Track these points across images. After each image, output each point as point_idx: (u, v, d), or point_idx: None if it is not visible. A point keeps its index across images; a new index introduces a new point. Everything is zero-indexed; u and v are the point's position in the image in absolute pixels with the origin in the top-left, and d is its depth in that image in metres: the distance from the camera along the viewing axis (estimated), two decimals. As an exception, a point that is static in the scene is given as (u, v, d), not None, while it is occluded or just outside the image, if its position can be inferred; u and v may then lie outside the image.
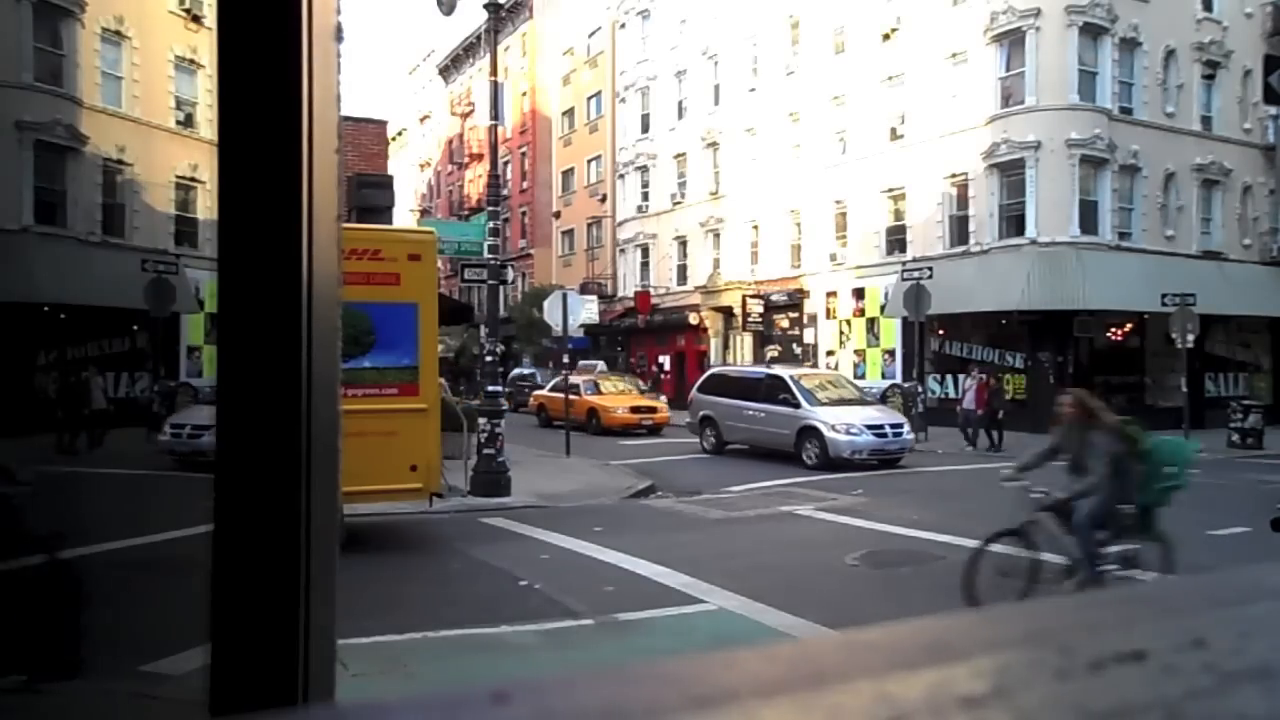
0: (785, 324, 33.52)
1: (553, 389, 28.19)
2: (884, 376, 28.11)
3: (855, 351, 30.59)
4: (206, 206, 29.07)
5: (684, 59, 38.12)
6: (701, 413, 20.50)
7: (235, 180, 0.93)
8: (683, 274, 38.81)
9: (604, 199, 44.30)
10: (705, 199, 37.01)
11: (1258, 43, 27.97)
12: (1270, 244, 29.61)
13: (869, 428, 17.44)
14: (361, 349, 9.41)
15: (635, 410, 25.84)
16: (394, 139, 57.79)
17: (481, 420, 13.95)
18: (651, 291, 38.84)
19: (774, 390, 18.74)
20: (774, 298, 33.40)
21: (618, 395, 27.06)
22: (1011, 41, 25.61)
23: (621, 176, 42.66)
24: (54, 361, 24.29)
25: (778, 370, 20.36)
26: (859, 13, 30.12)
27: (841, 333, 31.16)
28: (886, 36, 29.17)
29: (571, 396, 25.70)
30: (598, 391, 26.89)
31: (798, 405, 17.99)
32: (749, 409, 19.07)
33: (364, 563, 8.73)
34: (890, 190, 29.22)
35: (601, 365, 36.39)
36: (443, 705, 0.48)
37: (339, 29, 1.02)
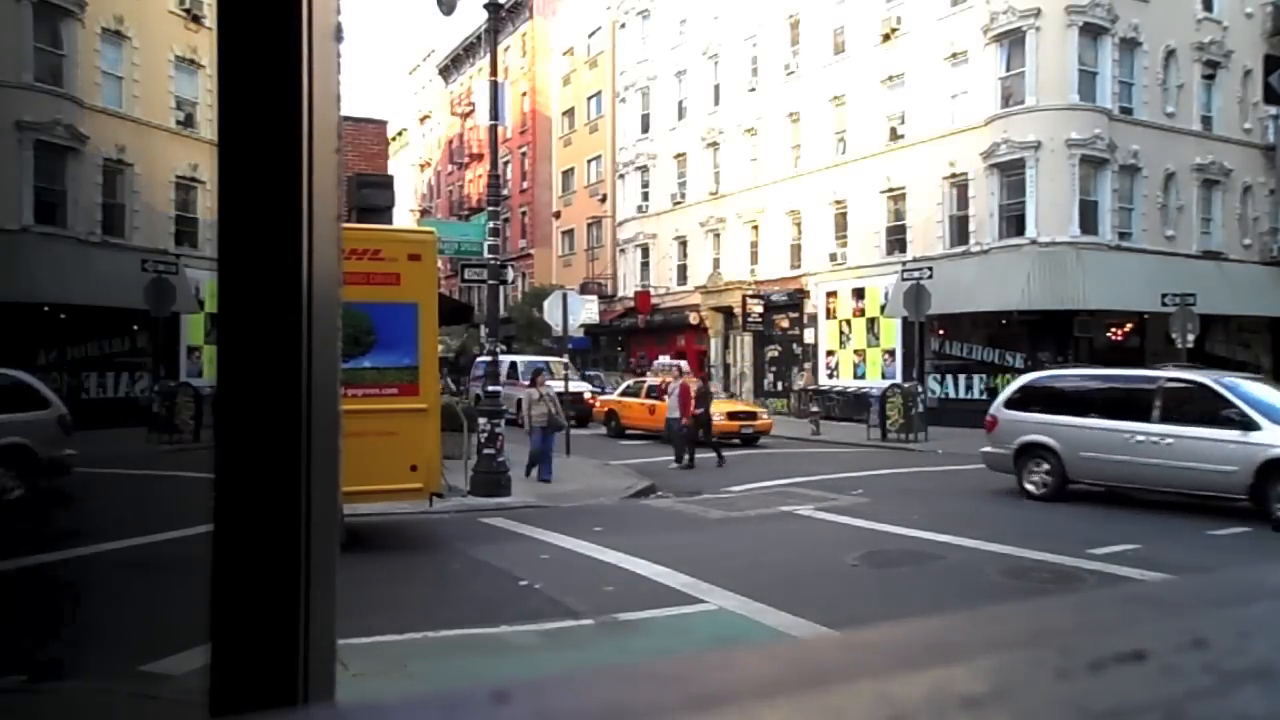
0: (785, 324, 33.53)
1: (625, 393, 25.33)
2: (884, 376, 28.09)
3: (855, 351, 30.59)
4: (206, 206, 29.07)
5: (684, 59, 38.13)
6: (1024, 439, 13.90)
7: (235, 180, 0.93)
8: (683, 274, 38.82)
9: (604, 199, 44.31)
10: (705, 199, 37.02)
11: (1258, 43, 27.98)
12: (1270, 244, 29.62)
13: None
14: (361, 349, 9.41)
15: (733, 416, 22.20)
16: (394, 139, 57.82)
17: (481, 420, 13.96)
18: (651, 291, 38.85)
19: (1192, 404, 12.44)
20: (774, 298, 33.41)
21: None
22: (1011, 41, 25.61)
23: (621, 176, 42.67)
24: (54, 361, 24.26)
25: (1194, 374, 13.35)
26: (859, 13, 30.13)
27: (841, 333, 31.16)
28: (886, 37, 29.18)
29: (654, 402, 22.89)
30: None
31: (1251, 426, 11.61)
32: (1135, 434, 12.62)
33: (364, 563, 8.73)
34: (890, 190, 29.23)
35: (683, 364, 32.04)
36: (443, 705, 0.48)
37: (339, 29, 1.02)
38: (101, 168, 24.80)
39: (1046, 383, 14.97)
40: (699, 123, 37.22)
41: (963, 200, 27.09)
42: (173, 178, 26.97)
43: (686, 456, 17.92)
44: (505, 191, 32.06)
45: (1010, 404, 14.68)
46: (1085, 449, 13.31)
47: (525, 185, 50.68)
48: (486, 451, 13.72)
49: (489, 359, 15.14)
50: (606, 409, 25.35)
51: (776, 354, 33.70)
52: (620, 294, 42.13)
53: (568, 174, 48.13)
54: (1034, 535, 10.34)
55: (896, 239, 29.07)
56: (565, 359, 26.75)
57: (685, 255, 38.76)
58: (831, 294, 31.53)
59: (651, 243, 40.71)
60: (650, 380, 25.26)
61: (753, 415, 23.02)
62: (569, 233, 48.00)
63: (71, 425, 12.06)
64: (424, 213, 61.42)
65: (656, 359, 35.14)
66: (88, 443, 18.33)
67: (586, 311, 27.98)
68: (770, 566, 9.13)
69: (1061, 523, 11.69)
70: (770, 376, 34.07)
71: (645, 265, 41.25)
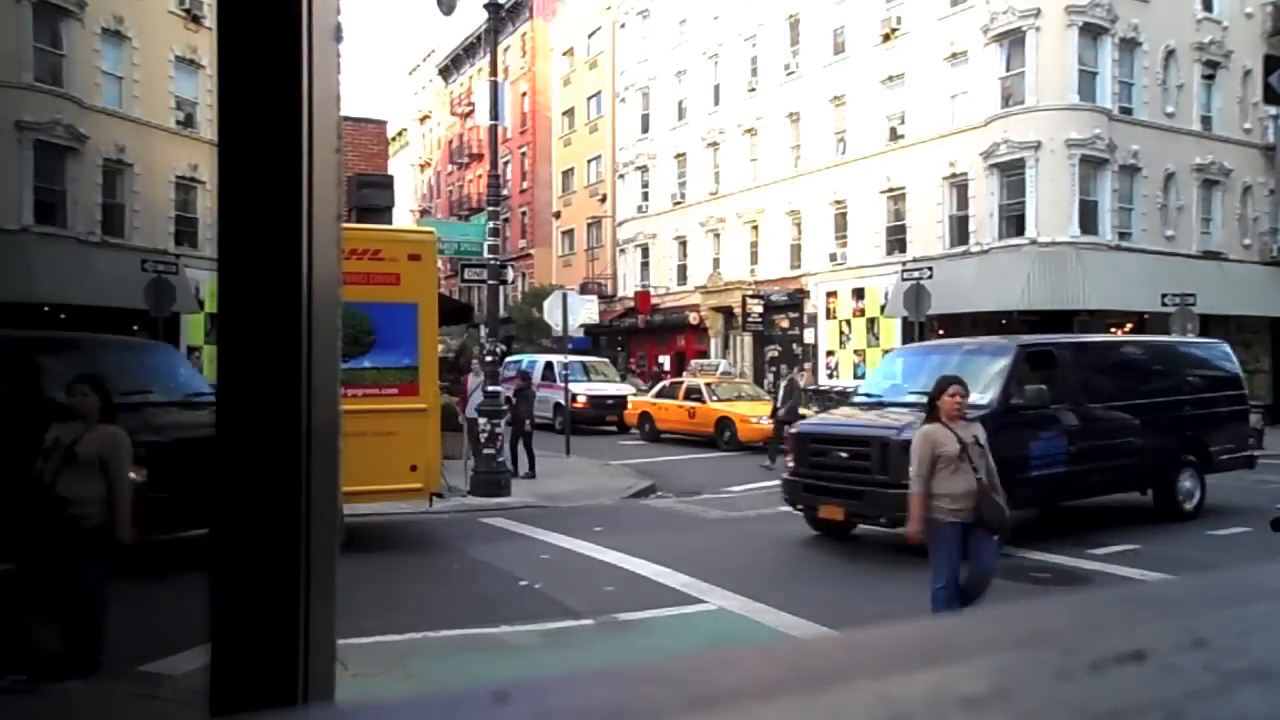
0: (785, 324, 33.53)
1: (660, 394, 24.03)
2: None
3: (855, 351, 30.59)
4: (206, 206, 28.99)
5: (684, 59, 38.13)
6: None
7: (235, 180, 0.93)
8: (683, 274, 38.82)
9: (604, 199, 44.31)
10: (705, 199, 37.01)
11: (1258, 43, 27.96)
12: (1270, 244, 29.61)
13: None
14: (361, 349, 9.41)
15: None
16: (394, 139, 57.78)
17: (481, 420, 13.94)
18: (651, 291, 38.85)
19: None
20: (774, 298, 33.41)
21: (753, 402, 22.10)
22: (1011, 41, 25.61)
23: (621, 176, 42.67)
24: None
25: None
26: (859, 13, 30.13)
27: (841, 333, 31.15)
28: (886, 37, 29.18)
29: (694, 404, 22.02)
30: (720, 397, 22.16)
31: None
32: None
33: (364, 563, 8.73)
34: (890, 190, 29.23)
35: (724, 364, 30.76)
36: (443, 705, 0.48)
37: (339, 29, 1.02)
38: (101, 168, 24.80)
39: None
40: (699, 123, 37.21)
41: (963, 200, 27.09)
42: (173, 178, 26.94)
43: (517, 459, 15.42)
44: (505, 191, 32.05)
45: None
46: None
47: (525, 185, 50.68)
48: (486, 451, 13.71)
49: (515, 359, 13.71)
50: (640, 411, 23.95)
51: (776, 354, 33.68)
52: (620, 294, 42.12)
53: (568, 174, 48.12)
54: (1034, 536, 10.33)
55: (896, 239, 29.07)
56: (606, 359, 25.28)
57: (685, 255, 38.76)
58: (831, 294, 31.52)
59: (651, 243, 40.70)
60: (689, 381, 24.06)
61: (802, 420, 20.83)
62: (569, 233, 47.99)
63: None
64: (424, 213, 61.41)
65: (694, 360, 34.46)
66: (88, 443, 18.32)
67: (586, 311, 27.87)
68: (770, 566, 9.12)
69: (1061, 522, 11.69)
70: (771, 377, 34.06)
71: (645, 265, 41.24)
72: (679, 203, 38.65)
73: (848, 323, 30.92)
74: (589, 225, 45.65)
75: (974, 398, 9.16)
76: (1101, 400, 10.79)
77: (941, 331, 26.82)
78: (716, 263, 36.42)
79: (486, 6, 15.37)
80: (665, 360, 38.25)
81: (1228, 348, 13.54)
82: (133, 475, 4.66)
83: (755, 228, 34.84)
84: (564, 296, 21.00)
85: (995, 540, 6.43)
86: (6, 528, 4.77)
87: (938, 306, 23.28)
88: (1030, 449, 9.75)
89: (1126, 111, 26.08)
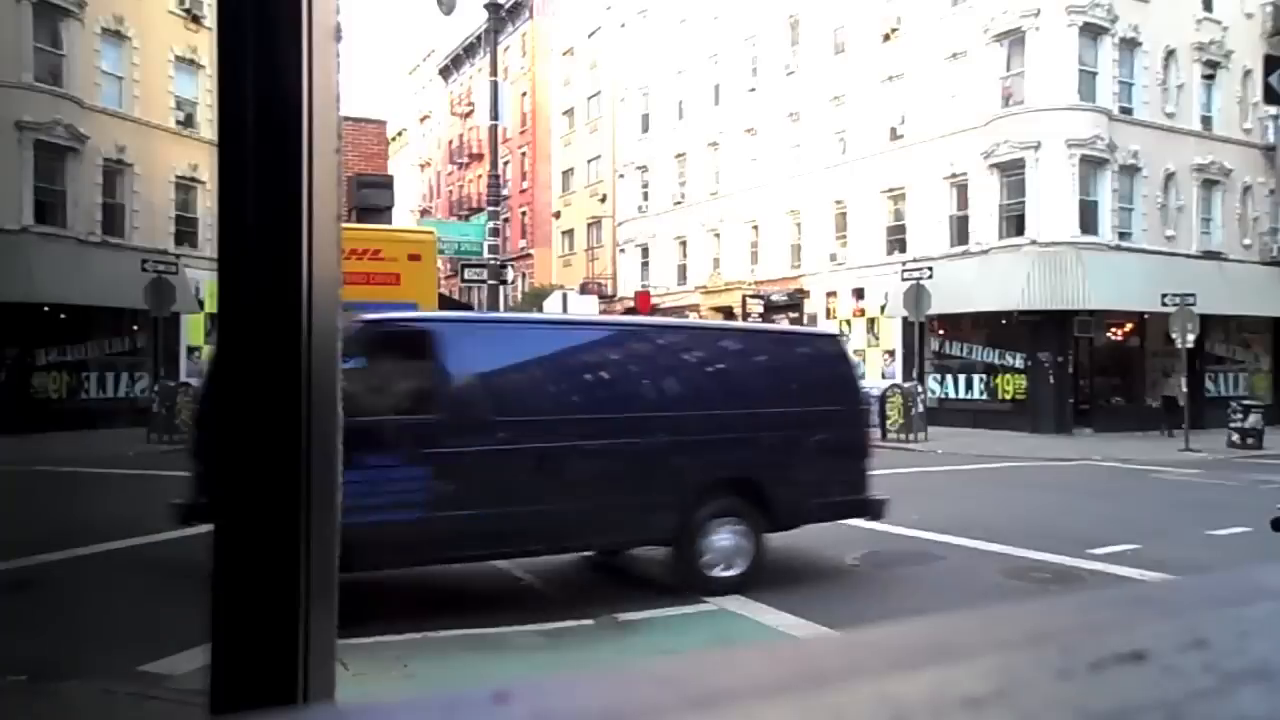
0: (785, 324, 33.54)
1: None
2: (884, 376, 28.09)
3: (855, 351, 30.55)
4: (206, 206, 28.99)
5: (684, 59, 38.15)
6: None
7: (235, 180, 0.93)
8: (683, 274, 38.82)
9: (604, 199, 44.32)
10: (705, 199, 37.02)
11: (1258, 43, 27.98)
12: (1270, 244, 29.60)
13: None
14: (361, 349, 9.40)
15: None
16: (394, 139, 57.78)
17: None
18: (651, 291, 38.86)
19: None
20: (774, 298, 33.42)
21: None
22: (1011, 41, 25.61)
23: (621, 176, 42.68)
24: (54, 361, 24.14)
25: None
26: (859, 13, 30.14)
27: (841, 332, 31.15)
28: (886, 36, 29.19)
29: None
30: None
31: None
32: None
33: (364, 563, 8.71)
34: (890, 190, 29.23)
35: None
36: (443, 705, 0.48)
37: (339, 29, 1.02)
38: (101, 168, 24.80)
39: None
40: (699, 123, 37.22)
41: (963, 200, 27.09)
42: (173, 178, 26.96)
43: None
44: (505, 191, 32.00)
45: None
46: None
47: (525, 185, 50.69)
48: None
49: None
50: None
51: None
52: (620, 294, 42.13)
53: (568, 174, 48.13)
54: (1034, 535, 10.33)
55: (896, 239, 29.08)
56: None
57: (685, 255, 38.77)
58: (831, 294, 31.54)
59: (651, 243, 40.71)
60: None
61: None
62: (569, 233, 47.99)
63: None
64: (424, 213, 61.42)
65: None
66: (89, 442, 18.32)
67: (586, 311, 27.87)
68: (770, 566, 9.12)
69: (1061, 522, 11.69)
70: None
71: (645, 265, 41.26)
72: (679, 203, 38.66)
73: (848, 323, 30.91)
74: (589, 225, 45.66)
75: None
76: (547, 413, 7.20)
77: (942, 331, 26.86)
78: (716, 263, 36.43)
79: (486, 6, 15.39)
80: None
81: (839, 341, 9.78)
82: None
83: (755, 228, 34.84)
84: (564, 296, 21.02)
85: None
86: None
87: (938, 306, 23.31)
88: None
89: (1126, 111, 26.08)
